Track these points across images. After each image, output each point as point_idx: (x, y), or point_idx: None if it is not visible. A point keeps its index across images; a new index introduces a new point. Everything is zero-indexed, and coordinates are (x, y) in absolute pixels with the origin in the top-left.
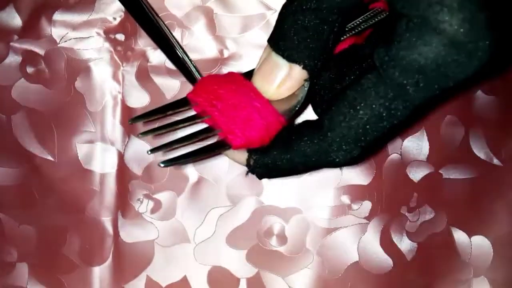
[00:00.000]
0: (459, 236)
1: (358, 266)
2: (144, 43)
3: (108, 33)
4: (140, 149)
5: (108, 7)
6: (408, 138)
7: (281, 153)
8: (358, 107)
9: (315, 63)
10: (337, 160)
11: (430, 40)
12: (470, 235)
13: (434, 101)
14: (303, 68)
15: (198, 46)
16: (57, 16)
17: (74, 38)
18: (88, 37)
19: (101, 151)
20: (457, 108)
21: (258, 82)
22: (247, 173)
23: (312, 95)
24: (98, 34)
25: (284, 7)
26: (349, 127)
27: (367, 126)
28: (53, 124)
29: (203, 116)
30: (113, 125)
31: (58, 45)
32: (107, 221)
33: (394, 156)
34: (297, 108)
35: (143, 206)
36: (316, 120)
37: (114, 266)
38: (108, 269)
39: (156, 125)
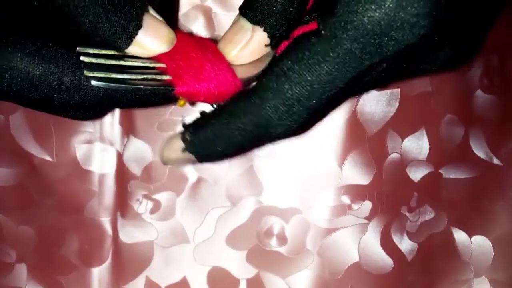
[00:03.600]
0: (460, 236)
1: (359, 267)
2: None
3: None
4: (139, 149)
5: None
6: (408, 137)
7: (217, 124)
8: (298, 74)
9: (277, 28)
10: (276, 132)
11: (378, 2)
12: (470, 235)
13: (381, 75)
14: (264, 30)
15: None
16: None
17: None
18: None
19: (100, 151)
20: (457, 107)
21: (221, 44)
22: (184, 150)
23: None
24: None
25: None
26: (288, 97)
27: (309, 95)
28: (52, 124)
29: (155, 62)
30: (112, 125)
31: None
32: (106, 221)
33: (394, 155)
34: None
35: (142, 207)
36: (252, 88)
37: (113, 267)
38: (107, 270)
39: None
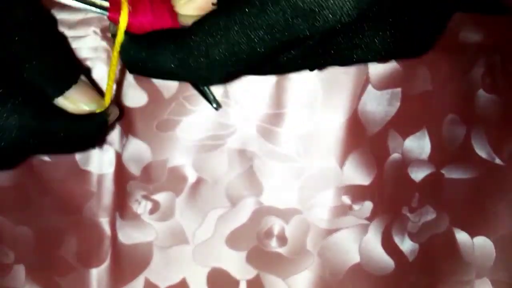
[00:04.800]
0: (461, 237)
1: (360, 268)
2: None
3: (105, 31)
4: (138, 149)
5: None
6: (409, 137)
7: (147, 47)
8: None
9: None
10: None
11: None
12: (472, 236)
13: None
14: None
15: None
16: (53, 14)
17: (70, 37)
18: (85, 36)
19: (98, 152)
20: (459, 107)
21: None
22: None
23: None
24: (95, 32)
25: None
26: (214, 43)
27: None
28: None
29: None
30: (111, 125)
31: None
32: (104, 222)
33: (395, 155)
34: None
35: (141, 207)
36: (188, 28)
37: (112, 268)
38: (105, 271)
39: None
